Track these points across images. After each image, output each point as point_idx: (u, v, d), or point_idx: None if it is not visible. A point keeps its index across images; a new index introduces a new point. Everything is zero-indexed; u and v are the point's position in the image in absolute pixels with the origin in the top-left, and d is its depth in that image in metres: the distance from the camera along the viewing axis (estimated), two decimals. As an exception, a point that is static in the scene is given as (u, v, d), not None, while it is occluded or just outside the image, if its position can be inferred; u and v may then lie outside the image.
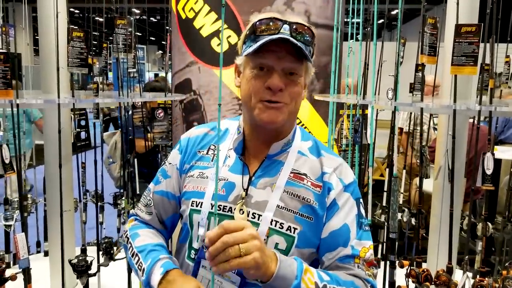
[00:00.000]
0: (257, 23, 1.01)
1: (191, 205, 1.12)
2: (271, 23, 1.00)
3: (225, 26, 2.43)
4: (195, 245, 1.10)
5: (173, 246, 2.56)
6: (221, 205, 1.08)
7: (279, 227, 1.04)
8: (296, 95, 1.04)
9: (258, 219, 1.05)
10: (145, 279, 1.06)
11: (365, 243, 1.08)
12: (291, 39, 0.98)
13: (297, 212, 1.05)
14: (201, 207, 1.10)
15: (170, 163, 1.22)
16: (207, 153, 1.16)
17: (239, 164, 1.12)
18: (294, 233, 1.04)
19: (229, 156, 1.14)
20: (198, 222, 1.09)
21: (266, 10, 2.37)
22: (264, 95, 1.01)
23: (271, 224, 1.04)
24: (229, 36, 2.44)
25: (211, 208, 1.08)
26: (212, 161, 1.14)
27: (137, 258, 1.12)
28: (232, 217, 1.06)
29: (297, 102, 1.06)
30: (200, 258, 1.08)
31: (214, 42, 2.50)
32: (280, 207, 1.05)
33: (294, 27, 1.00)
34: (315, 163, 1.12)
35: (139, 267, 1.09)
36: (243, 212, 1.05)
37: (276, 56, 1.00)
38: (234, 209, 1.07)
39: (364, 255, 1.07)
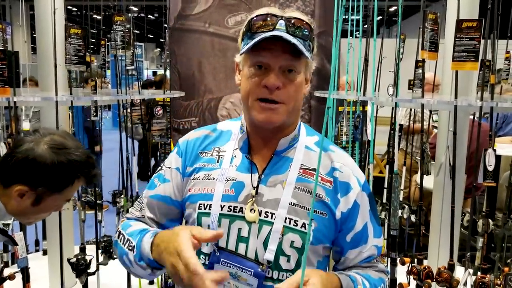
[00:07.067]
0: (254, 19, 0.99)
1: (199, 208, 1.06)
2: (268, 19, 0.97)
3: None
4: (205, 249, 1.05)
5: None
6: (231, 206, 1.04)
7: (294, 225, 1.01)
8: (295, 93, 1.01)
9: (272, 218, 1.02)
10: (137, 253, 1.01)
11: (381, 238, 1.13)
12: (285, 35, 0.94)
13: (310, 208, 1.02)
14: (210, 209, 1.05)
15: (168, 167, 1.15)
16: (211, 155, 1.11)
17: (247, 163, 1.08)
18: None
19: (235, 156, 1.10)
20: (208, 225, 1.04)
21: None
22: (261, 93, 0.99)
23: (285, 222, 1.01)
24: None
25: (221, 210, 1.04)
26: (217, 162, 1.09)
27: (128, 242, 1.05)
28: (243, 218, 1.02)
29: (297, 100, 1.03)
30: (213, 263, 1.02)
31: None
32: (293, 204, 1.02)
33: (291, 22, 0.97)
34: (324, 157, 1.08)
35: (130, 248, 1.04)
36: (254, 211, 1.02)
37: (273, 54, 0.97)
38: (245, 209, 1.03)
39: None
